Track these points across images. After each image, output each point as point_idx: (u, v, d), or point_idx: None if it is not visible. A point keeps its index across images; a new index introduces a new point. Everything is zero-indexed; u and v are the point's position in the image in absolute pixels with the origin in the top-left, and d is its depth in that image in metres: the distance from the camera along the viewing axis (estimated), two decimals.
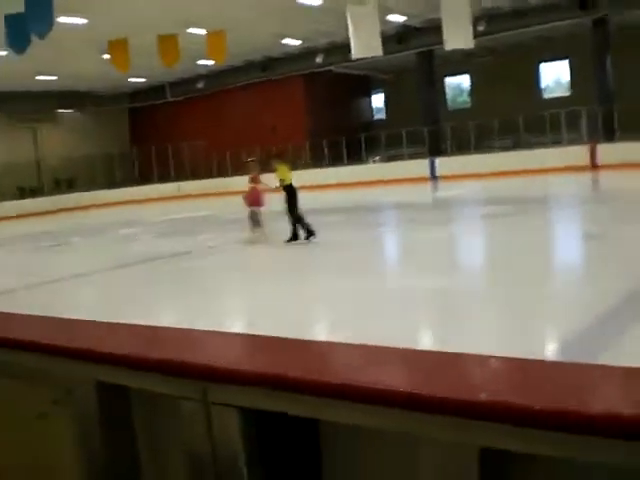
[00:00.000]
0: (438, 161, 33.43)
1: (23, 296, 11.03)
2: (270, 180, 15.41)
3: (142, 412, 1.89)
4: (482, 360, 1.41)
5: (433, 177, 31.95)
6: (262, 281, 11.44)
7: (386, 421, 1.31)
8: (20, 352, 2.09)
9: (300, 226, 14.27)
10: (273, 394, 1.40)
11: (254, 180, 15.63)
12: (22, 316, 2.53)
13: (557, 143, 33.61)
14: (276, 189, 14.82)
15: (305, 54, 39.36)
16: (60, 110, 46.72)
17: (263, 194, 15.42)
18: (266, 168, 16.50)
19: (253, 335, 1.80)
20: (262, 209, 15.34)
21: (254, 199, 15.33)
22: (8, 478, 2.42)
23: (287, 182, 14.43)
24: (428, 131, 36.99)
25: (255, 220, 15.28)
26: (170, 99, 46.08)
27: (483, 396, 1.17)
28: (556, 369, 1.40)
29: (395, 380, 1.35)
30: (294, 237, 14.27)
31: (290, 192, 14.33)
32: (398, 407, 1.26)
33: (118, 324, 2.06)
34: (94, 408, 1.86)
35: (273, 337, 1.71)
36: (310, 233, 14.21)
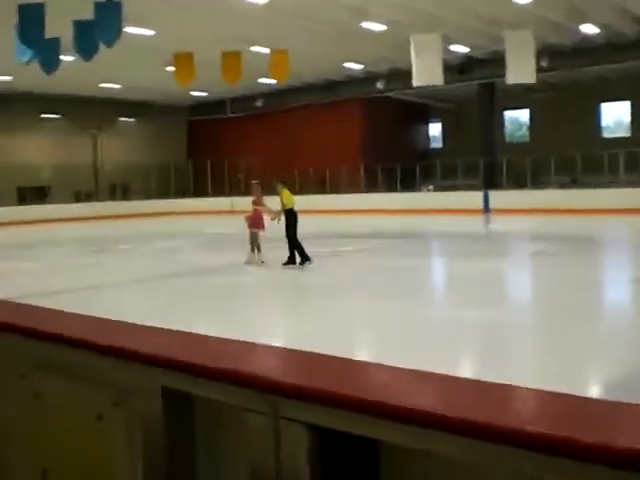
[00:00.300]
0: (492, 194, 33.18)
1: (72, 298, 11.19)
2: (273, 203, 15.60)
3: (205, 421, 1.91)
4: (535, 394, 1.43)
5: (486, 210, 31.70)
6: (308, 300, 11.47)
7: (447, 448, 1.32)
8: (81, 352, 2.12)
9: (297, 251, 14.45)
10: (340, 413, 1.41)
11: (256, 202, 15.81)
12: (82, 316, 2.58)
13: (614, 184, 33.16)
14: (277, 212, 15.06)
15: (366, 79, 39.45)
16: (121, 118, 47.47)
17: (263, 217, 15.56)
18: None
19: (318, 353, 1.81)
20: (261, 232, 15.47)
21: (254, 221, 15.49)
22: (64, 477, 2.46)
23: (289, 206, 14.73)
24: (484, 163, 36.77)
25: (254, 242, 15.42)
26: (229, 115, 46.52)
27: (532, 428, 1.20)
28: (597, 406, 1.41)
29: (458, 408, 1.36)
30: (291, 261, 14.46)
31: (291, 216, 14.59)
32: (457, 434, 1.28)
33: (183, 332, 2.09)
34: (157, 413, 1.87)
35: (335, 357, 1.73)
36: (305, 258, 14.37)
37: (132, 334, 2.20)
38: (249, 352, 1.85)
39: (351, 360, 1.72)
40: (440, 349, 7.57)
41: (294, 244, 14.45)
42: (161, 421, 1.86)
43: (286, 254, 14.60)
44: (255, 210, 15.67)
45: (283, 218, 14.94)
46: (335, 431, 1.46)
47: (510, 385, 1.52)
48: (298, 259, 14.54)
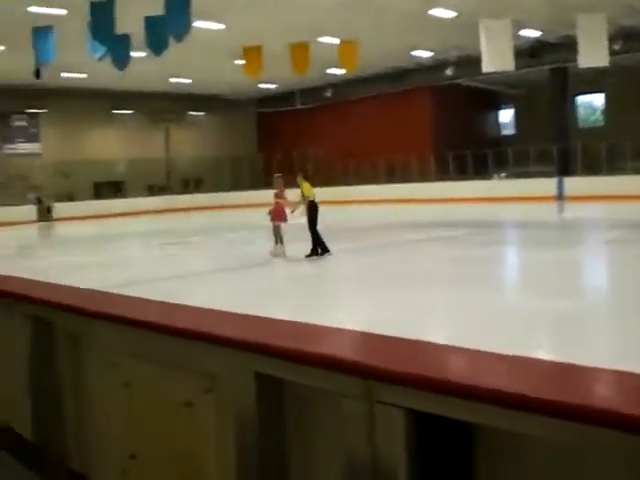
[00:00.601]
0: (566, 181, 32.53)
1: (151, 289, 11.37)
2: (294, 196, 15.83)
3: (297, 406, 1.92)
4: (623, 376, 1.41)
5: (560, 197, 31.08)
6: (382, 289, 11.44)
7: (540, 429, 1.31)
8: (172, 340, 2.16)
9: (318, 242, 14.71)
10: (435, 397, 1.41)
11: (278, 195, 15.91)
12: (171, 305, 2.62)
13: None
14: (297, 204, 15.39)
15: (435, 66, 39.08)
16: (191, 112, 48.04)
17: (285, 210, 15.68)
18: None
19: (404, 338, 1.81)
20: (283, 224, 15.61)
21: (277, 214, 15.65)
22: (152, 461, 2.52)
23: (310, 198, 14.97)
24: (557, 149, 36.09)
25: (278, 234, 15.57)
26: (299, 106, 46.63)
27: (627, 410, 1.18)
28: None
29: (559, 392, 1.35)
30: (314, 252, 14.69)
31: (312, 208, 14.85)
32: (550, 416, 1.27)
33: (272, 319, 2.10)
34: (249, 399, 1.89)
35: (420, 341, 1.72)
36: (325, 250, 14.64)
37: (221, 321, 2.22)
38: (339, 337, 1.86)
39: (437, 344, 1.72)
40: (517, 338, 7.48)
41: (315, 235, 14.70)
42: (254, 407, 1.88)
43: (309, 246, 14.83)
44: (277, 203, 15.83)
45: (302, 209, 15.24)
46: (430, 415, 1.46)
47: (595, 368, 1.50)
48: (318, 250, 14.81)
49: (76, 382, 3.14)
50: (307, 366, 1.65)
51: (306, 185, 15.25)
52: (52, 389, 3.12)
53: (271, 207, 16.14)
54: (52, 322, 3.02)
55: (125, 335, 2.55)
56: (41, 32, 21.61)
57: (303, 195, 15.12)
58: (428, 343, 1.73)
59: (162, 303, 2.69)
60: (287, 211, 15.77)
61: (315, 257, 14.58)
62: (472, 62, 32.90)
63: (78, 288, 3.28)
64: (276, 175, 17.02)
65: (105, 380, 2.78)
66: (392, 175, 41.36)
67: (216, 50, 31.88)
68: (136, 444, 2.61)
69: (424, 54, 36.93)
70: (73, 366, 3.13)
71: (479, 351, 1.63)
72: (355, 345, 1.70)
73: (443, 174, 39.82)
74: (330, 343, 1.77)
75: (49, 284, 3.39)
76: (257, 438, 1.89)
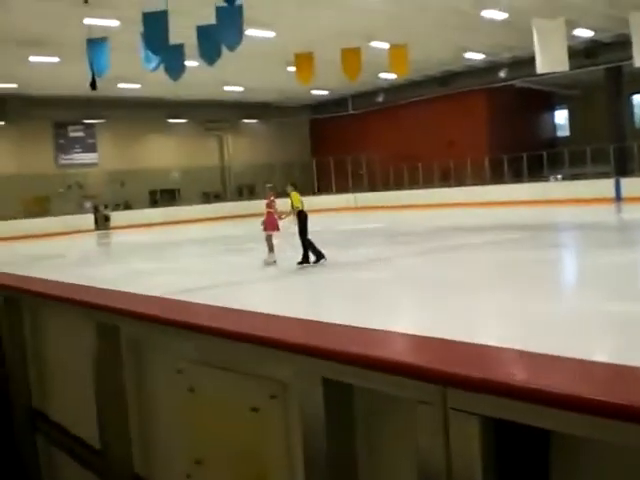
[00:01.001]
0: (623, 181, 32.01)
1: (211, 295, 11.46)
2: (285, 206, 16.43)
3: (366, 412, 1.91)
4: None
5: (618, 198, 30.63)
6: (440, 293, 11.37)
7: (619, 436, 1.28)
8: (237, 346, 2.16)
9: (310, 250, 15.11)
10: (511, 403, 1.38)
11: (269, 206, 16.46)
12: (236, 311, 2.63)
13: None
14: (288, 213, 15.92)
15: (487, 68, 38.83)
16: (244, 120, 48.42)
17: (277, 220, 16.22)
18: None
19: (479, 344, 1.78)
20: (275, 233, 16.12)
21: (268, 224, 16.16)
22: (218, 468, 2.52)
23: (300, 208, 15.53)
24: (614, 150, 35.54)
25: (270, 244, 16.02)
26: (351, 111, 46.73)
27: None
28: None
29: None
30: (306, 259, 15.08)
31: (302, 217, 15.42)
32: (631, 422, 1.23)
33: (336, 324, 2.09)
34: (317, 405, 1.88)
35: (497, 347, 1.69)
36: (320, 256, 15.06)
37: (287, 327, 2.22)
38: (407, 342, 1.84)
39: (508, 349, 1.68)
40: (588, 341, 7.37)
41: (306, 244, 15.13)
42: (322, 413, 1.87)
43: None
44: (268, 213, 16.35)
45: (292, 218, 15.78)
46: (506, 421, 1.43)
47: None
48: (312, 258, 15.18)
49: (140, 388, 3.17)
50: (377, 372, 1.63)
51: (295, 195, 15.85)
52: (117, 395, 3.16)
53: (263, 217, 16.64)
54: (117, 328, 3.06)
55: (189, 341, 2.56)
56: (95, 43, 22.02)
57: (292, 205, 15.70)
58: (499, 348, 1.69)
59: (225, 308, 2.70)
60: (279, 222, 16.34)
61: (307, 265, 14.98)
62: (525, 63, 32.64)
63: (141, 294, 3.31)
64: (267, 185, 17.82)
65: (169, 386, 2.80)
66: (447, 179, 41.17)
67: (268, 57, 32.10)
68: (201, 449, 2.62)
69: (476, 56, 36.69)
70: (137, 372, 3.16)
71: (554, 356, 1.59)
72: (426, 350, 1.67)
73: (498, 177, 39.51)
74: (399, 348, 1.75)
75: (113, 291, 3.44)
76: (325, 444, 1.88)
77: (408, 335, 1.89)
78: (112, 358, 3.10)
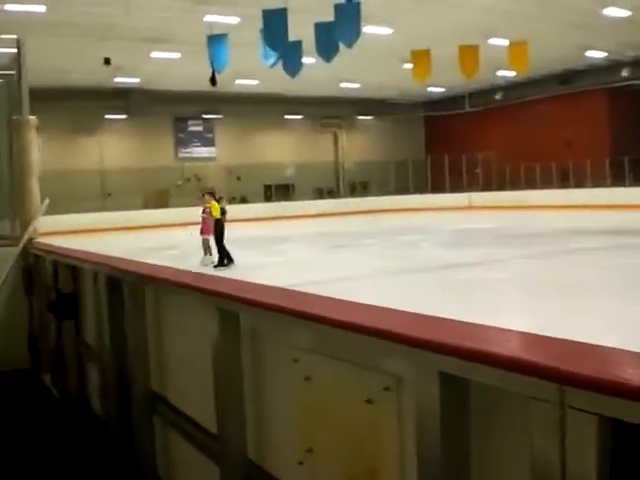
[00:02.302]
0: None
1: (326, 290, 11.53)
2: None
3: (481, 407, 1.91)
4: None
5: None
6: (555, 297, 11.12)
7: None
8: (355, 337, 2.19)
9: (224, 255, 16.09)
10: (630, 405, 1.36)
11: (205, 211, 17.26)
12: (355, 304, 2.67)
13: None
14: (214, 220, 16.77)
15: (609, 67, 37.62)
16: (359, 117, 48.49)
17: (211, 225, 16.95)
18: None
19: (597, 345, 1.76)
20: (209, 237, 16.90)
21: (205, 229, 17.05)
22: (330, 456, 2.57)
23: (217, 217, 16.66)
24: None
25: (206, 246, 16.91)
26: (467, 109, 46.15)
27: None
28: None
29: None
30: (221, 262, 16.01)
31: (218, 225, 16.52)
32: None
33: (454, 320, 2.10)
34: (432, 399, 1.90)
35: (616, 349, 1.67)
36: (230, 260, 16.11)
37: (403, 320, 2.24)
38: (525, 340, 1.83)
39: (627, 351, 1.65)
40: None
41: (220, 249, 16.16)
42: (437, 407, 1.88)
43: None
44: (203, 219, 17.21)
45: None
46: (624, 423, 1.42)
47: None
48: (225, 261, 16.11)
49: (257, 375, 3.25)
50: (495, 368, 1.63)
51: (214, 205, 16.83)
52: (234, 380, 3.25)
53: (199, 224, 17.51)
54: (237, 315, 3.15)
55: (306, 330, 2.61)
56: (216, 40, 22.50)
57: (211, 214, 16.73)
58: (618, 349, 1.67)
59: (340, 300, 2.74)
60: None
61: (222, 267, 15.73)
62: None
63: (261, 284, 3.39)
64: (204, 193, 18.42)
65: (285, 374, 2.86)
66: (565, 180, 40.10)
67: (385, 54, 32.05)
68: (314, 438, 2.67)
69: (597, 54, 35.60)
70: (254, 359, 3.24)
71: None
72: (544, 348, 1.66)
73: (619, 179, 38.21)
74: (516, 345, 1.74)
75: (234, 280, 3.54)
76: (440, 438, 1.89)
77: (525, 333, 1.88)
78: (232, 344, 3.19)
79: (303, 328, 2.60)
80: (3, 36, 19.76)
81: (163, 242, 24.78)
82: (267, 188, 44.37)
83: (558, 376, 1.48)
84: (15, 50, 9.89)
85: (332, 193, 46.79)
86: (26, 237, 8.88)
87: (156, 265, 4.87)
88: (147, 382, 4.66)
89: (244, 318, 3.16)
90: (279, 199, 43.25)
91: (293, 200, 43.36)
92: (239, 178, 43.00)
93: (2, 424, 6.70)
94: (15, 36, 10.29)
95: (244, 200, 42.47)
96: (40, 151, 9.42)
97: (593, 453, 1.46)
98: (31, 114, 9.46)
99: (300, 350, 2.69)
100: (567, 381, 1.46)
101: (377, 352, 2.23)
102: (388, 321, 2.17)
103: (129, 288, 4.63)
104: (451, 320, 2.10)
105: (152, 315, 4.65)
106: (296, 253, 19.74)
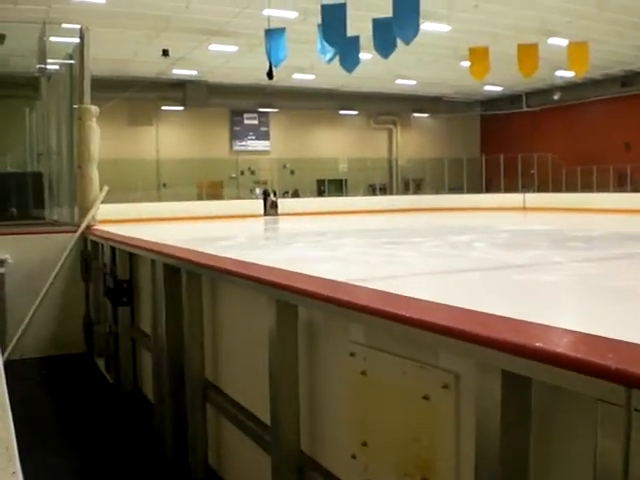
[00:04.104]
0: None
1: (377, 286, 11.52)
2: None
3: (543, 407, 1.90)
4: None
5: None
6: (616, 300, 10.96)
7: None
8: (413, 332, 2.19)
9: None
10: None
11: None
12: (408, 298, 2.66)
13: None
14: None
15: None
16: (414, 114, 48.28)
17: None
18: None
19: None
20: None
21: None
22: (384, 451, 2.57)
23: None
24: None
25: None
26: (525, 109, 45.63)
27: None
28: None
29: None
30: None
31: None
32: None
33: (513, 318, 2.08)
34: (493, 398, 1.89)
35: None
36: None
37: (463, 317, 2.23)
38: (590, 341, 1.81)
39: None
40: None
41: None
42: (497, 405, 1.87)
43: None
44: None
45: None
46: None
47: None
48: None
49: (312, 367, 3.27)
50: (559, 367, 1.62)
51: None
52: (290, 372, 3.27)
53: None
54: (295, 307, 3.17)
55: (363, 324, 2.62)
56: (273, 34, 22.58)
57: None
58: None
59: (397, 295, 2.74)
60: None
61: None
62: None
63: (318, 277, 3.41)
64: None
65: (341, 368, 2.87)
66: (623, 183, 39.41)
67: (442, 51, 31.86)
68: (368, 432, 2.68)
69: None
70: (310, 351, 3.26)
71: None
72: (609, 350, 1.64)
73: None
74: (580, 346, 1.73)
75: (291, 272, 3.56)
76: (499, 438, 1.88)
77: (589, 334, 1.86)
78: (289, 336, 3.21)
79: (360, 322, 2.60)
80: (66, 25, 20.16)
81: (217, 233, 25.04)
82: (320, 183, 44.45)
83: (624, 378, 1.47)
84: (78, 40, 10.04)
85: (385, 190, 46.70)
86: (85, 224, 9.03)
87: (214, 254, 4.92)
88: (201, 370, 4.71)
89: (302, 310, 3.18)
90: (332, 194, 43.32)
91: (345, 196, 43.41)
92: (292, 172, 43.19)
93: (57, 406, 6.83)
94: (78, 26, 10.44)
95: (296, 194, 42.66)
96: (100, 140, 9.57)
97: None
98: (91, 103, 9.61)
99: (357, 344, 2.70)
100: (634, 383, 1.45)
101: (436, 348, 2.22)
102: (446, 316, 2.16)
103: (187, 277, 4.69)
104: (511, 318, 2.09)
105: (209, 304, 4.70)
106: (347, 249, 19.76)
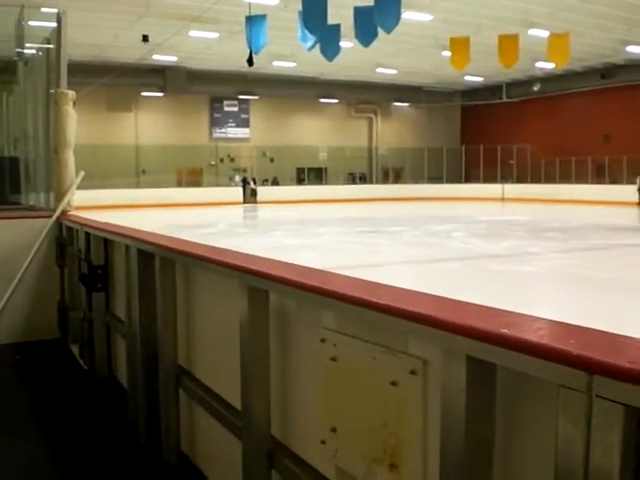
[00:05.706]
0: None
1: (355, 273, 11.51)
2: None
3: (507, 392, 1.91)
4: None
5: None
6: (590, 291, 11.04)
7: None
8: (381, 319, 2.19)
9: None
10: None
11: None
12: (382, 285, 2.66)
13: None
14: None
15: None
16: (395, 103, 48.29)
17: None
18: None
19: (629, 336, 1.74)
20: None
21: None
22: (352, 436, 2.58)
23: None
24: None
25: None
26: (505, 100, 45.78)
27: None
28: None
29: None
30: None
31: None
32: None
33: (480, 305, 2.09)
34: (458, 383, 1.89)
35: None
36: None
37: (430, 303, 2.23)
38: (555, 328, 1.82)
39: None
40: None
41: None
42: (463, 391, 1.88)
43: None
44: None
45: None
46: None
47: None
48: None
49: (283, 353, 3.27)
50: (523, 354, 1.63)
51: None
52: (261, 358, 3.27)
53: None
54: (267, 293, 3.16)
55: (334, 310, 2.62)
56: (254, 21, 22.46)
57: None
58: None
59: (370, 282, 2.74)
60: None
61: None
62: None
63: (291, 263, 3.40)
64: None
65: (312, 353, 2.87)
66: (601, 175, 39.65)
67: (423, 41, 31.88)
68: (337, 418, 2.68)
69: (638, 49, 35.07)
70: (282, 337, 3.26)
71: None
72: (573, 337, 1.65)
73: None
74: (545, 332, 1.74)
75: (264, 258, 3.55)
76: (464, 423, 1.89)
77: (554, 321, 1.87)
78: (260, 322, 3.21)
79: (331, 308, 2.60)
80: (44, 9, 19.93)
81: (196, 220, 24.95)
82: (300, 171, 44.44)
83: (586, 364, 1.48)
84: (55, 24, 9.94)
85: (364, 179, 46.75)
86: (60, 209, 8.96)
87: (188, 241, 4.90)
88: (174, 356, 4.71)
89: (273, 295, 3.17)
90: (311, 182, 43.33)
91: (325, 184, 43.41)
92: (272, 160, 43.14)
93: (29, 392, 6.80)
94: (55, 10, 10.34)
95: (276, 182, 42.63)
96: (76, 125, 9.49)
97: (618, 443, 1.46)
98: (69, 88, 9.53)
99: (327, 330, 2.70)
100: (596, 370, 1.46)
101: (405, 334, 2.23)
102: (417, 303, 2.17)
103: (160, 263, 4.67)
104: (481, 305, 2.09)
105: (182, 290, 4.70)
106: (325, 237, 19.76)
